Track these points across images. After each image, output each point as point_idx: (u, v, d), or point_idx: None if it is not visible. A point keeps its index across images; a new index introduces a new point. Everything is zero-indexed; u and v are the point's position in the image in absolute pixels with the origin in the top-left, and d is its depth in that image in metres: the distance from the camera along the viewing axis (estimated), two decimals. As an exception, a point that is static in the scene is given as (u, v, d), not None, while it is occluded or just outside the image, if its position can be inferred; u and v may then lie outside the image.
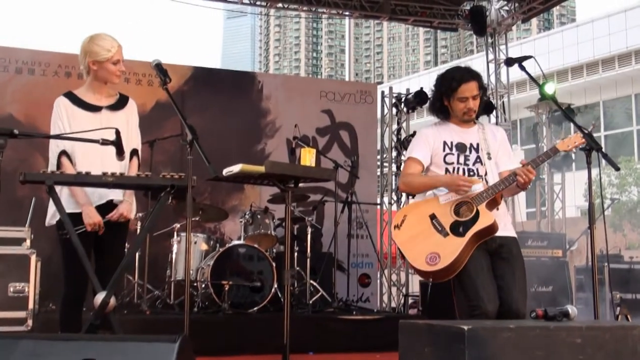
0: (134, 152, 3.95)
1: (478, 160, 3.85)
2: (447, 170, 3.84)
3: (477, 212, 3.63)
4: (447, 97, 3.87)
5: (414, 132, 4.79)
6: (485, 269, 3.66)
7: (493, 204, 3.70)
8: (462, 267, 3.59)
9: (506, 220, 3.87)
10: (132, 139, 3.96)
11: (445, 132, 3.91)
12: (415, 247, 3.67)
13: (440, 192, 3.79)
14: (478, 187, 3.70)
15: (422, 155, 3.88)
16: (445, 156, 3.86)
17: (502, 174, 3.84)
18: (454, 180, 3.70)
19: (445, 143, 3.87)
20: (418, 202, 3.88)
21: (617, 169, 3.94)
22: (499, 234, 3.69)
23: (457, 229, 3.62)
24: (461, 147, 3.87)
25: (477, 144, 3.88)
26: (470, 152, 3.87)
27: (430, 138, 3.90)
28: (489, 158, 3.85)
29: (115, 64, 3.87)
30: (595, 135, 3.76)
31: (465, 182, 3.66)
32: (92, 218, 3.68)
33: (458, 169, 3.84)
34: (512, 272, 3.72)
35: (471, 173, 3.82)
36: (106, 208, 3.81)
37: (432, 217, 3.70)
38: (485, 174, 3.81)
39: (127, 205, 3.85)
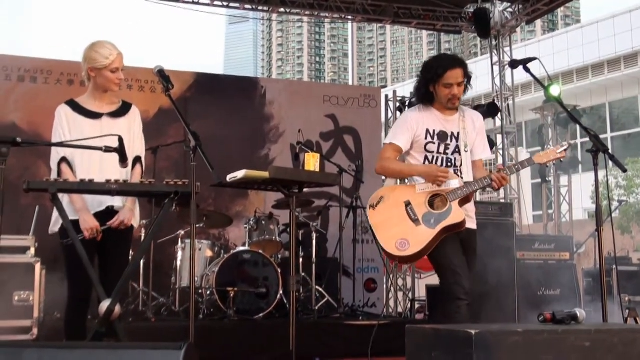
0: (136, 160, 3.94)
1: (457, 150, 4.02)
2: (426, 157, 4.02)
3: (450, 208, 3.84)
4: (433, 83, 3.99)
5: None
6: (460, 250, 3.89)
7: (465, 201, 3.93)
8: (438, 250, 3.82)
9: (472, 213, 4.08)
10: (135, 147, 3.95)
11: (428, 119, 4.04)
12: (388, 230, 3.86)
13: (419, 180, 3.96)
14: (454, 183, 3.90)
15: (403, 141, 4.02)
16: (426, 144, 4.01)
17: (475, 163, 4.08)
18: (432, 171, 3.89)
19: (427, 131, 4.01)
20: (395, 186, 4.08)
21: (624, 170, 3.93)
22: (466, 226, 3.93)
23: (429, 220, 3.84)
24: (442, 136, 4.02)
25: (458, 133, 4.04)
26: (451, 140, 4.03)
27: (413, 124, 4.02)
28: (465, 150, 4.02)
29: (114, 72, 3.84)
30: (601, 136, 3.75)
31: (443, 174, 3.85)
32: (88, 224, 3.67)
33: (437, 158, 4.01)
34: (472, 263, 3.98)
35: (449, 163, 4.01)
36: (106, 215, 3.79)
37: (407, 204, 3.89)
38: (461, 164, 4.00)
39: (128, 212, 3.82)
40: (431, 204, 3.87)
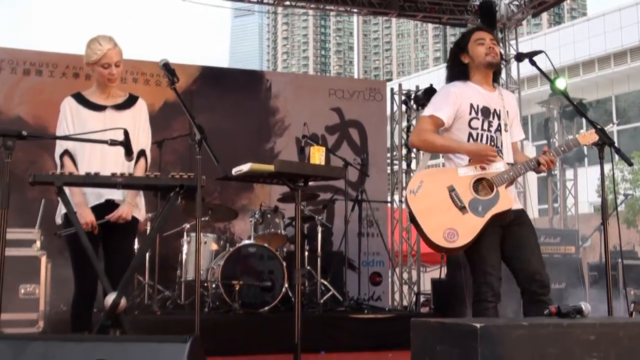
0: (141, 153, 3.93)
1: (499, 128, 3.78)
2: (470, 135, 3.74)
3: (497, 193, 3.58)
4: (464, 50, 3.82)
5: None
6: (497, 248, 3.64)
7: (509, 184, 3.67)
8: (473, 244, 3.55)
9: (516, 195, 3.86)
10: (140, 140, 3.94)
11: (471, 93, 3.78)
12: (432, 218, 3.55)
13: (460, 163, 3.70)
14: (499, 166, 3.65)
15: (446, 115, 3.73)
16: (470, 120, 3.74)
17: (513, 145, 3.86)
18: (482, 150, 3.62)
19: (472, 106, 3.75)
20: (435, 169, 3.80)
21: (630, 164, 3.91)
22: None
23: (477, 207, 3.55)
24: (486, 112, 3.77)
25: (499, 111, 3.81)
26: (493, 118, 3.79)
27: (457, 97, 3.74)
28: (506, 130, 3.80)
29: (105, 67, 3.81)
30: (607, 129, 3.73)
31: (493, 154, 3.60)
32: (84, 217, 3.67)
33: (482, 135, 3.75)
34: (527, 240, 3.69)
35: (492, 141, 3.76)
36: (106, 208, 3.80)
37: (451, 189, 3.59)
38: (502, 145, 3.76)
39: (127, 206, 3.82)
40: (476, 189, 3.60)
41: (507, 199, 3.59)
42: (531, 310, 3.58)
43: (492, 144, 3.75)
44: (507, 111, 3.85)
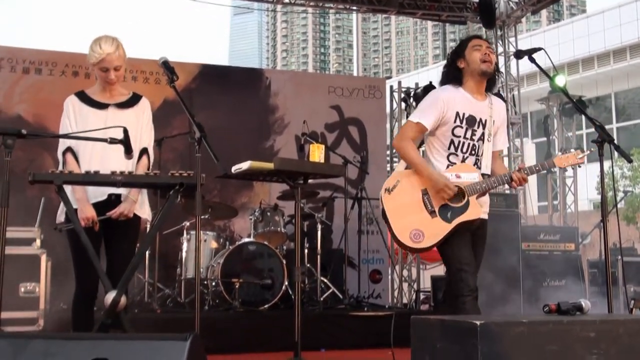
0: (143, 151, 3.93)
1: (482, 137, 3.89)
2: (452, 142, 3.86)
3: (467, 202, 3.76)
4: (461, 55, 3.90)
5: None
6: (469, 245, 3.80)
7: (481, 194, 3.85)
8: (446, 243, 3.74)
9: (485, 204, 3.99)
10: (142, 138, 3.94)
11: (459, 100, 3.87)
12: (402, 218, 3.77)
13: (438, 168, 3.84)
14: (473, 176, 3.80)
15: (430, 122, 3.85)
16: (454, 128, 3.85)
17: (494, 154, 3.99)
18: (441, 184, 3.73)
19: (457, 114, 3.85)
20: (412, 171, 3.89)
21: (630, 161, 3.92)
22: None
23: (445, 213, 3.75)
24: (471, 121, 3.87)
25: (485, 121, 3.90)
26: (478, 127, 3.89)
27: (445, 104, 3.84)
28: (489, 140, 3.92)
29: (104, 71, 3.81)
30: (607, 127, 3.74)
31: (449, 192, 3.72)
32: (85, 213, 3.67)
33: (463, 143, 3.87)
34: (480, 252, 3.92)
35: (473, 150, 3.87)
36: (108, 204, 3.80)
37: (424, 192, 3.79)
38: (482, 154, 3.90)
39: (130, 203, 3.81)
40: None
41: (476, 209, 3.77)
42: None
43: (473, 152, 3.88)
44: (494, 120, 3.94)
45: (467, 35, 4.00)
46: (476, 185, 3.77)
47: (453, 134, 3.85)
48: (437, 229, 3.72)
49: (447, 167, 3.84)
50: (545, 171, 4.07)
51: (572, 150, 3.91)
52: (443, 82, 4.00)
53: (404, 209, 3.78)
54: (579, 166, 3.95)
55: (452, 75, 3.94)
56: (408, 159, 3.88)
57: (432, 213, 3.75)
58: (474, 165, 3.87)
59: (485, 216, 3.98)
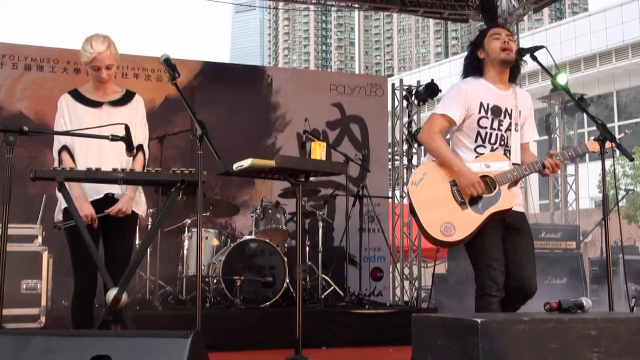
0: (139, 148, 3.92)
1: (509, 127, 3.78)
2: (478, 134, 3.75)
3: (499, 192, 3.61)
4: (481, 45, 3.81)
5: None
6: (500, 242, 3.65)
7: (513, 184, 3.70)
8: (476, 239, 3.58)
9: (518, 197, 3.86)
10: (137, 135, 3.93)
11: (482, 91, 3.77)
12: (431, 211, 3.61)
13: (466, 159, 3.70)
14: (503, 165, 3.67)
15: (457, 114, 3.72)
16: (479, 119, 3.74)
17: (523, 146, 3.85)
18: (470, 178, 3.58)
19: (481, 104, 3.74)
20: (439, 163, 3.74)
21: (632, 159, 3.90)
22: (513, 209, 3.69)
23: (476, 203, 3.59)
24: (496, 111, 3.76)
25: (511, 110, 3.79)
26: (504, 117, 3.78)
27: (468, 95, 3.74)
28: (516, 130, 3.80)
29: (95, 70, 3.81)
30: (608, 125, 3.73)
31: (476, 189, 3.56)
32: (83, 210, 3.67)
33: (491, 134, 3.75)
34: (525, 247, 3.74)
35: (502, 140, 3.75)
36: (105, 202, 3.80)
37: (453, 183, 3.64)
38: (511, 145, 3.77)
39: (127, 200, 3.82)
40: None
41: (508, 199, 3.62)
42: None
43: (502, 142, 3.76)
44: (520, 110, 3.83)
45: (471, 30, 3.95)
46: (507, 174, 3.63)
47: (479, 126, 3.73)
48: (468, 221, 3.56)
49: (476, 157, 3.71)
50: (577, 156, 3.93)
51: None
52: (464, 74, 3.90)
53: (433, 201, 3.61)
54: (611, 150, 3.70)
55: (473, 67, 3.85)
56: (437, 152, 3.71)
57: (462, 204, 3.59)
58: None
59: (520, 208, 3.83)
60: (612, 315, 2.96)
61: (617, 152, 3.74)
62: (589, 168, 17.83)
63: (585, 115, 4.02)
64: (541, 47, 3.91)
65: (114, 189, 3.80)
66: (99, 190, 3.80)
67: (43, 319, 5.65)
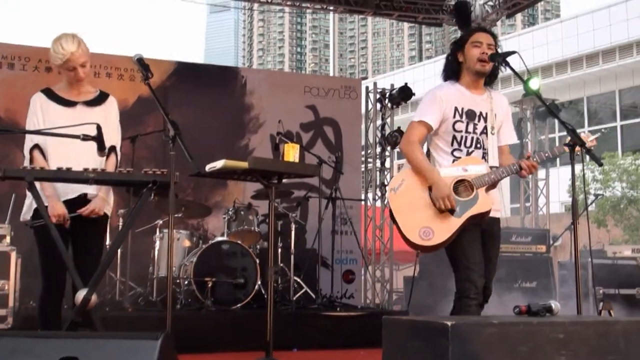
0: (111, 149, 3.89)
1: (485, 130, 3.82)
2: (454, 138, 3.79)
3: (476, 195, 3.65)
4: (461, 48, 3.84)
5: (399, 128, 4.59)
6: (479, 246, 3.70)
7: (490, 187, 3.74)
8: (455, 242, 3.62)
9: (496, 201, 3.88)
10: (110, 136, 3.90)
11: (456, 96, 3.82)
12: (410, 216, 3.65)
13: (443, 164, 3.76)
14: (480, 168, 3.71)
15: (434, 120, 3.77)
16: (454, 123, 3.79)
17: (501, 148, 3.89)
18: (443, 191, 3.60)
19: (455, 109, 3.79)
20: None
21: (601, 164, 3.96)
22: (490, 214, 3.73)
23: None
24: (471, 115, 3.81)
25: (486, 114, 3.84)
26: (479, 120, 3.82)
27: (442, 101, 3.78)
28: (492, 133, 3.84)
29: (71, 70, 3.78)
30: (579, 130, 3.78)
31: (447, 203, 3.58)
32: (56, 210, 3.64)
33: (466, 138, 3.80)
34: (495, 254, 3.85)
35: (478, 143, 3.80)
36: (78, 202, 3.77)
37: (431, 189, 3.66)
38: (487, 148, 3.81)
39: (100, 201, 3.79)
40: (456, 189, 3.66)
41: (486, 202, 3.66)
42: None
43: (478, 145, 3.80)
44: (495, 114, 3.87)
45: (475, 28, 3.90)
46: (484, 177, 3.68)
47: (454, 129, 3.78)
48: (447, 225, 3.59)
49: (453, 162, 3.77)
50: (554, 158, 3.97)
51: (582, 133, 3.83)
52: (444, 75, 3.95)
53: (411, 207, 3.66)
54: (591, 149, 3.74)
55: (452, 68, 3.89)
56: (414, 163, 3.75)
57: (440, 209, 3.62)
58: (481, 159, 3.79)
59: (498, 214, 3.87)
60: (580, 319, 3.00)
61: (587, 157, 3.79)
62: (560, 173, 18.02)
63: (556, 121, 4.07)
64: (513, 52, 3.95)
65: (89, 189, 3.76)
66: (74, 189, 3.76)
67: (10, 319, 5.58)
